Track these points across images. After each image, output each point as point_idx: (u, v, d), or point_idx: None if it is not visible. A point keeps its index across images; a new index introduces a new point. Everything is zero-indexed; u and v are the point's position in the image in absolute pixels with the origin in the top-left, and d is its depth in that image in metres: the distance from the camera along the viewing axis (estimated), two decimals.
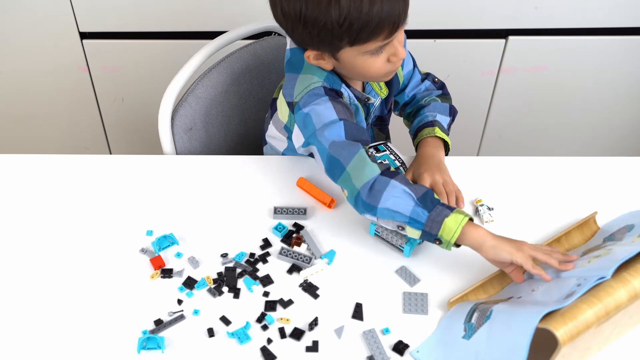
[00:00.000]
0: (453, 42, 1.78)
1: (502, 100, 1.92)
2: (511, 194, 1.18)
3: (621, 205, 1.15)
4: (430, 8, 1.71)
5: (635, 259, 0.86)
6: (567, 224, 1.11)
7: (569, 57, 1.80)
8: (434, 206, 0.99)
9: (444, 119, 1.25)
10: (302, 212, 1.15)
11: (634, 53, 1.80)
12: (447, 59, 1.81)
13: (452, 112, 1.28)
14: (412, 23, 1.72)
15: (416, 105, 1.30)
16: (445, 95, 1.31)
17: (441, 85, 1.32)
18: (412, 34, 1.75)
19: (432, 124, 1.23)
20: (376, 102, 1.23)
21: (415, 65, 1.30)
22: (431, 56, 1.81)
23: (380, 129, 1.32)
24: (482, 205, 1.15)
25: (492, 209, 1.15)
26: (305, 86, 1.11)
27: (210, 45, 1.36)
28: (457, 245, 0.99)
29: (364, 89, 1.22)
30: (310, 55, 1.09)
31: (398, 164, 1.19)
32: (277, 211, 1.15)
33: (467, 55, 1.81)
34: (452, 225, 0.97)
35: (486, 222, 1.13)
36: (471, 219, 0.99)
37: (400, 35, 1.07)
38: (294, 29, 1.04)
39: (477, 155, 2.08)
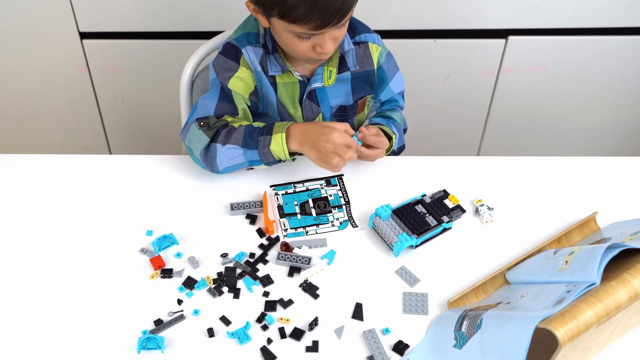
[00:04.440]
0: (453, 42, 1.78)
1: (502, 100, 1.92)
2: (511, 194, 1.18)
3: (621, 206, 1.15)
4: (430, 8, 1.71)
5: (636, 259, 0.86)
6: (567, 224, 1.11)
7: (569, 57, 1.80)
8: (256, 142, 1.13)
9: (399, 139, 1.31)
10: (259, 204, 1.15)
11: (634, 53, 1.80)
12: (447, 59, 1.81)
13: (402, 149, 1.36)
14: (412, 23, 1.74)
15: (386, 112, 1.35)
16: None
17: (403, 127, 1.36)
18: (412, 34, 1.75)
19: (390, 137, 1.26)
20: (316, 84, 1.22)
21: (401, 94, 1.36)
22: (431, 56, 1.81)
23: (340, 120, 1.31)
24: (482, 205, 1.15)
25: (492, 209, 1.15)
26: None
27: (210, 43, 1.37)
28: (294, 154, 1.15)
29: (313, 72, 1.22)
30: (250, 5, 1.12)
31: (342, 202, 1.17)
32: (234, 207, 1.15)
33: (467, 55, 1.81)
34: (277, 148, 1.12)
35: (486, 222, 1.13)
36: (289, 127, 1.13)
37: (338, 32, 1.09)
38: None
39: (477, 155, 2.08)
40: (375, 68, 1.27)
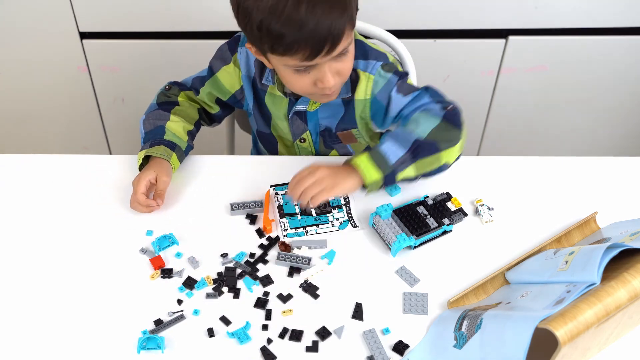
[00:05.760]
0: (453, 42, 1.78)
1: (502, 100, 1.92)
2: (511, 194, 1.18)
3: (621, 206, 1.15)
4: (430, 8, 1.71)
5: (636, 259, 0.86)
6: (567, 224, 1.11)
7: (569, 57, 1.80)
8: (144, 142, 1.20)
9: (393, 150, 1.04)
10: (259, 204, 1.15)
11: (634, 53, 1.80)
12: (447, 59, 1.81)
13: (420, 149, 1.05)
14: (412, 23, 1.74)
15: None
16: (446, 119, 1.10)
17: (445, 107, 1.12)
18: (412, 34, 1.75)
19: (366, 149, 1.07)
20: (300, 107, 1.19)
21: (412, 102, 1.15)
22: (431, 56, 1.80)
23: (325, 143, 1.29)
24: (482, 205, 1.15)
25: (492, 209, 1.15)
26: None
27: None
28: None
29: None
30: (251, 48, 1.08)
31: (342, 202, 1.15)
32: (234, 207, 1.15)
33: (467, 55, 1.81)
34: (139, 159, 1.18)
35: (486, 222, 1.13)
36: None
37: (340, 64, 1.03)
38: (235, 14, 1.02)
39: (477, 155, 2.08)
40: (368, 98, 1.17)
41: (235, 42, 1.22)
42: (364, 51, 1.16)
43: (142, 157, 1.17)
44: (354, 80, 1.17)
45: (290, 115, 1.23)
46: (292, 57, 0.98)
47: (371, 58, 1.16)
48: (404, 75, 1.18)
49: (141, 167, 1.18)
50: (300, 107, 1.20)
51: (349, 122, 1.23)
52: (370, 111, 1.20)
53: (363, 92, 1.17)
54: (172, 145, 1.19)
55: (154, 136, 1.20)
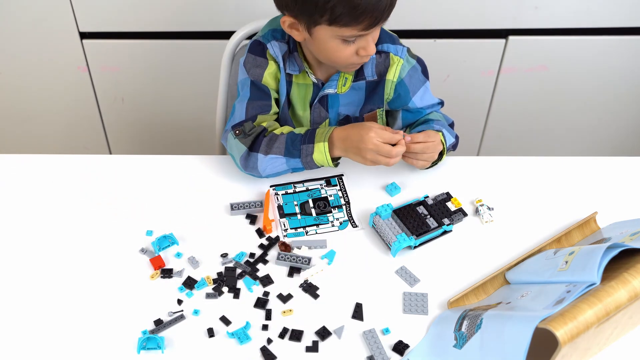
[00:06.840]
0: (453, 42, 1.78)
1: (502, 100, 1.92)
2: (511, 194, 1.18)
3: (621, 206, 1.15)
4: (430, 8, 1.70)
5: (636, 259, 0.86)
6: (567, 224, 1.11)
7: (569, 57, 1.80)
8: (299, 151, 1.13)
9: (448, 137, 1.22)
10: (259, 204, 1.15)
11: (634, 53, 1.80)
12: (447, 59, 1.81)
13: (456, 142, 1.28)
14: (412, 23, 1.74)
15: (422, 118, 1.29)
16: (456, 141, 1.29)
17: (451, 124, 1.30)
18: (412, 34, 1.75)
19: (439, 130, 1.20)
20: (329, 90, 1.21)
21: (432, 106, 1.29)
22: (431, 56, 1.79)
23: None
24: (482, 205, 1.15)
25: (492, 209, 1.15)
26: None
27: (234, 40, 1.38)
28: (336, 159, 1.16)
29: (329, 77, 1.22)
30: (286, 21, 1.10)
31: (342, 202, 1.17)
32: (234, 207, 1.15)
33: (467, 55, 1.81)
34: (320, 157, 1.13)
35: (486, 222, 1.13)
36: (331, 134, 1.13)
37: (376, 32, 1.10)
38: None
39: (477, 155, 2.08)
40: (395, 81, 1.23)
41: (259, 45, 1.20)
42: (388, 35, 1.23)
43: (327, 151, 1.12)
44: (384, 63, 1.22)
45: (315, 102, 1.24)
46: (354, 27, 1.04)
47: (397, 43, 1.23)
48: (422, 62, 1.27)
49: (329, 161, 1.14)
50: (329, 90, 1.22)
51: (376, 102, 1.27)
52: (393, 93, 1.26)
53: (392, 74, 1.23)
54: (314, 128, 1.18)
55: (294, 141, 1.14)
